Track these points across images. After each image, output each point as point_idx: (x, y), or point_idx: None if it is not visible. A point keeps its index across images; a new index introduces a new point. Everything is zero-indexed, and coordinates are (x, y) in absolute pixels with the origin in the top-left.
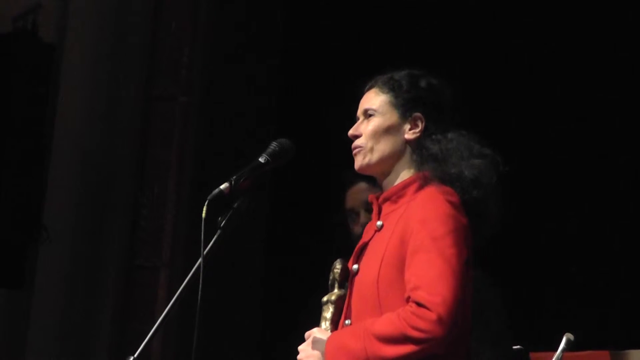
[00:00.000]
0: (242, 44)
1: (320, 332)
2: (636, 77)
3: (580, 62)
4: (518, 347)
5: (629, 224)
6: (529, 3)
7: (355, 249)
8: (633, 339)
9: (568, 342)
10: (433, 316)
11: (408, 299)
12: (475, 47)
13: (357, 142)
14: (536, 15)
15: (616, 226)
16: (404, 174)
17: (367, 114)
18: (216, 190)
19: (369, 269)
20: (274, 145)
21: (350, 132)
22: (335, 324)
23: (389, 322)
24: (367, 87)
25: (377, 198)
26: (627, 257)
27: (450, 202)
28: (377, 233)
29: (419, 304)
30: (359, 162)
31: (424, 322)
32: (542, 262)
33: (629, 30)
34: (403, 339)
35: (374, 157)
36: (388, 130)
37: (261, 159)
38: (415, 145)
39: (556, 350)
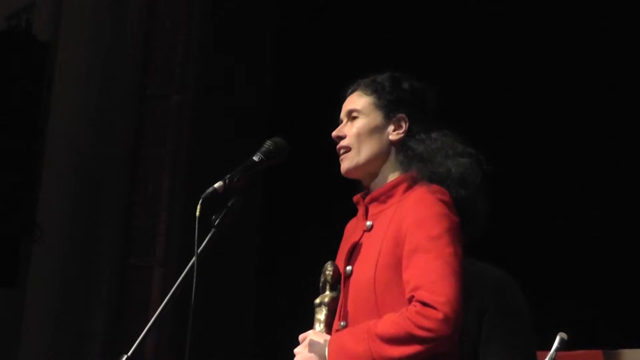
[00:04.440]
0: (236, 43)
1: (316, 334)
2: (619, 70)
3: (568, 59)
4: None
5: (624, 223)
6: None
7: (346, 250)
8: (626, 339)
9: (562, 341)
10: (439, 315)
11: (411, 299)
12: (463, 48)
13: (342, 143)
14: (522, 15)
15: (611, 225)
16: (391, 175)
17: (352, 116)
18: (210, 189)
19: (363, 270)
20: (268, 144)
21: (334, 133)
22: (329, 325)
23: (393, 323)
24: (350, 90)
25: (363, 198)
26: (622, 257)
27: (443, 201)
28: (366, 233)
29: (424, 304)
30: (345, 165)
31: (431, 322)
32: (536, 261)
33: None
34: (409, 339)
35: (361, 158)
36: (372, 132)
37: (255, 158)
38: (400, 146)
39: (550, 349)
